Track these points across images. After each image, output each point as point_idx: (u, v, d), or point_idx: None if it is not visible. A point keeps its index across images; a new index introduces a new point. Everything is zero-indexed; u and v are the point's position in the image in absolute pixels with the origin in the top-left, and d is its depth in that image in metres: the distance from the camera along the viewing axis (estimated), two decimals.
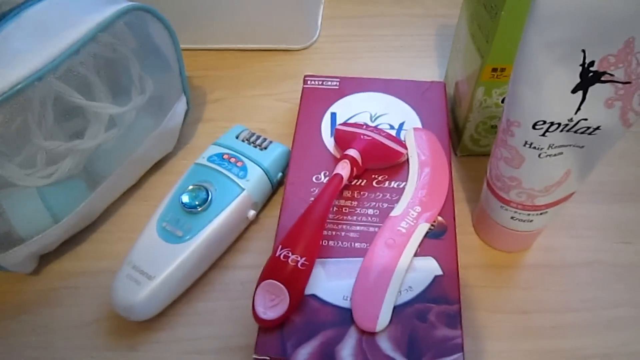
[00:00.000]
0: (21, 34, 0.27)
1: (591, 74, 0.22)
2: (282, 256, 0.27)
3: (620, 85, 0.21)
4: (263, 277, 0.27)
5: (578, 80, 0.22)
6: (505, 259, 0.32)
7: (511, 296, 0.30)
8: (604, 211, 0.34)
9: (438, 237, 0.29)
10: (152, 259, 0.29)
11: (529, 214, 0.28)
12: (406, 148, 0.33)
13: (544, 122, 0.23)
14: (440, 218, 0.30)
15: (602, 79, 0.22)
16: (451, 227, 0.30)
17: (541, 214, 0.28)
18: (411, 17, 0.47)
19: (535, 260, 0.32)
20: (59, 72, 0.28)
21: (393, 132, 0.34)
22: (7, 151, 0.28)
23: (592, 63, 0.21)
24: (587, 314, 0.29)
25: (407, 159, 0.32)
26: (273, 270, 0.26)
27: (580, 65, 0.21)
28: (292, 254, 0.26)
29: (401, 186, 0.31)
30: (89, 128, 0.31)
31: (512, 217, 0.29)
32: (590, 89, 0.22)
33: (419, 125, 0.34)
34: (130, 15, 0.30)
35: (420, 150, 0.33)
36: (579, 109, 0.23)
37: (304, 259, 0.26)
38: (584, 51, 0.21)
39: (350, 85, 0.37)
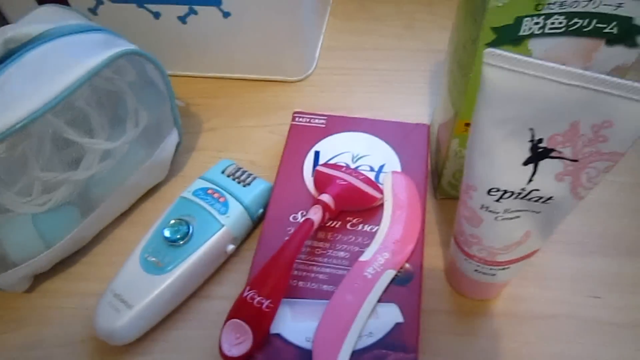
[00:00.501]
0: (21, 77, 0.29)
1: (540, 149, 0.22)
2: (248, 297, 0.28)
3: (569, 162, 0.22)
4: (230, 316, 0.28)
5: (528, 154, 0.23)
6: (472, 307, 0.32)
7: (473, 345, 0.31)
8: (577, 263, 0.34)
9: (403, 284, 0.30)
10: (133, 289, 0.31)
11: (491, 269, 0.29)
12: (382, 192, 0.34)
13: (498, 190, 0.24)
14: (407, 265, 0.31)
15: (551, 155, 0.22)
16: (417, 274, 0.31)
17: (504, 269, 0.29)
18: (411, 51, 0.48)
19: (502, 310, 0.32)
20: (56, 109, 0.30)
21: (372, 175, 0.35)
22: (6, 180, 0.30)
23: (540, 140, 0.22)
24: None
25: (383, 203, 0.33)
26: (239, 310, 0.28)
27: (530, 141, 0.22)
28: (258, 296, 0.28)
29: (374, 230, 0.32)
30: (84, 158, 0.33)
31: (475, 270, 0.30)
32: (541, 163, 0.23)
33: (399, 169, 0.35)
34: (123, 59, 0.32)
35: (396, 195, 0.33)
36: (530, 179, 0.23)
37: (269, 301, 0.28)
38: (532, 130, 0.22)
39: (336, 124, 0.38)
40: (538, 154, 0.22)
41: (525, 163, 0.23)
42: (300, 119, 0.38)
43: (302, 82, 0.46)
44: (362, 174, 0.34)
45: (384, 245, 0.31)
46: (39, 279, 0.35)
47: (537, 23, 0.24)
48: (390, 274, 0.30)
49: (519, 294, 0.33)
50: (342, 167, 0.34)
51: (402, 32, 0.50)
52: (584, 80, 0.19)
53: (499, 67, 0.20)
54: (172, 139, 0.38)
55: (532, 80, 0.20)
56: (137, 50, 0.32)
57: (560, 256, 0.34)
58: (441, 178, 0.36)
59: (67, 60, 0.30)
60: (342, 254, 0.32)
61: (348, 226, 0.33)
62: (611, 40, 0.25)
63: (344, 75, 0.46)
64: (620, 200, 0.37)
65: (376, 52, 0.48)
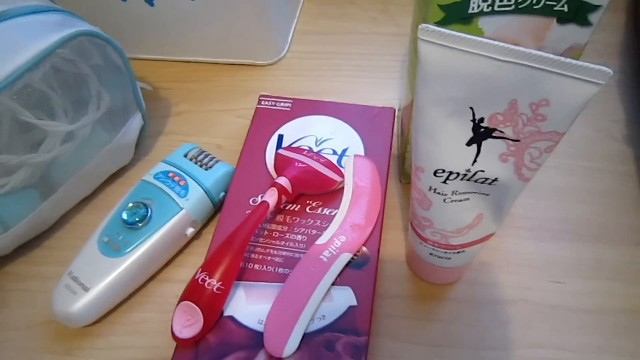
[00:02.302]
0: None
1: (482, 129, 0.22)
2: (200, 280, 0.28)
3: (511, 142, 0.22)
4: (182, 298, 0.28)
5: (471, 134, 0.22)
6: (432, 291, 0.32)
7: (429, 329, 0.31)
8: (540, 248, 0.34)
9: (359, 268, 0.30)
10: (90, 271, 0.31)
11: (445, 252, 0.29)
12: (343, 176, 0.33)
13: (444, 171, 0.24)
14: (364, 249, 0.31)
15: (494, 135, 0.22)
16: (374, 258, 0.30)
17: (458, 252, 0.29)
18: (384, 35, 0.47)
19: (461, 294, 0.32)
20: (13, 90, 0.30)
21: (335, 158, 0.35)
22: None
23: (482, 119, 0.22)
24: (503, 353, 0.30)
25: (344, 187, 0.33)
26: (190, 292, 0.28)
27: (471, 120, 0.22)
28: (209, 279, 0.28)
29: (333, 213, 0.32)
30: (45, 141, 0.33)
31: (430, 254, 0.29)
32: (484, 143, 0.22)
33: (362, 152, 0.35)
34: (79, 39, 0.31)
35: (357, 179, 0.33)
36: (475, 160, 0.23)
37: (220, 283, 0.28)
38: (472, 108, 0.21)
39: (301, 108, 0.38)
40: (480, 133, 0.22)
41: (469, 143, 0.22)
42: (266, 102, 0.38)
43: (273, 66, 0.45)
44: (323, 157, 0.34)
45: (341, 229, 0.31)
46: (0, 262, 0.35)
47: (485, 0, 0.24)
48: (345, 257, 0.30)
49: (480, 278, 0.33)
50: (304, 150, 0.34)
51: (377, 16, 0.49)
52: (518, 57, 0.19)
53: (433, 43, 0.20)
54: (136, 122, 0.37)
55: (467, 57, 0.20)
56: (93, 32, 0.32)
57: (524, 241, 0.34)
58: (404, 162, 0.35)
59: (20, 41, 0.30)
60: (299, 237, 0.31)
61: (307, 209, 0.32)
62: (562, 18, 0.24)
63: (316, 59, 0.46)
64: (585, 185, 0.36)
65: (350, 36, 0.47)
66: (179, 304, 0.28)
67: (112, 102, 0.35)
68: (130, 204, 0.32)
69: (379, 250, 0.31)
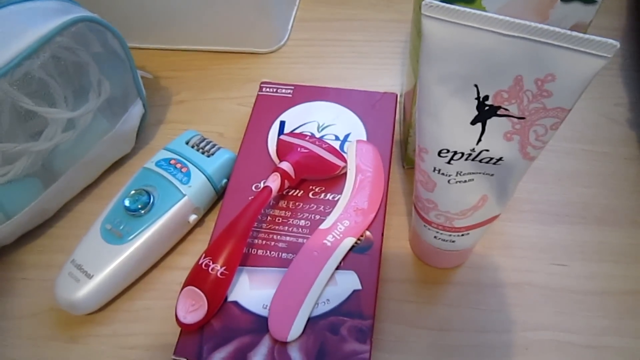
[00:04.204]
0: None
1: (487, 107, 0.22)
2: (204, 265, 0.28)
3: (516, 120, 0.22)
4: (186, 283, 0.28)
5: (476, 112, 0.22)
6: (436, 275, 0.32)
7: (435, 312, 0.31)
8: (544, 232, 0.34)
9: (363, 252, 0.30)
10: (93, 259, 0.31)
11: (450, 235, 0.29)
12: (345, 161, 0.33)
13: (448, 151, 0.23)
14: (368, 233, 0.31)
15: (498, 113, 0.22)
16: (377, 242, 0.30)
17: (463, 235, 0.28)
18: (384, 22, 0.47)
19: (465, 278, 0.32)
20: (13, 78, 0.29)
21: (337, 144, 0.34)
22: None
23: (486, 97, 0.21)
24: (509, 335, 0.30)
25: (346, 172, 0.33)
26: (194, 278, 0.28)
27: (476, 98, 0.22)
28: (213, 263, 0.28)
29: (336, 199, 0.32)
30: (46, 129, 0.33)
31: (435, 237, 0.29)
32: (489, 121, 0.22)
33: (364, 137, 0.35)
34: (78, 26, 0.31)
35: (360, 164, 0.33)
36: (479, 140, 0.23)
37: (223, 268, 0.28)
38: (476, 86, 0.21)
39: (303, 94, 0.37)
40: (485, 112, 0.22)
41: (473, 122, 0.22)
42: (267, 89, 0.38)
43: (274, 53, 0.45)
44: (326, 143, 0.33)
45: (344, 213, 0.31)
46: (4, 251, 0.35)
47: None
48: (349, 241, 0.30)
49: (483, 262, 0.33)
50: (306, 136, 0.34)
51: (377, 2, 0.49)
52: (523, 31, 0.19)
53: (437, 19, 0.20)
54: (136, 110, 0.37)
55: (471, 32, 0.19)
56: (93, 17, 0.32)
57: (527, 225, 0.34)
58: (407, 147, 0.35)
59: (19, 28, 0.29)
60: (302, 222, 0.31)
61: (310, 195, 0.32)
62: None
63: (317, 46, 0.45)
64: (588, 169, 0.36)
65: (350, 23, 0.47)
66: (183, 289, 0.28)
67: (113, 90, 0.35)
68: (133, 191, 0.32)
69: (382, 235, 0.30)
